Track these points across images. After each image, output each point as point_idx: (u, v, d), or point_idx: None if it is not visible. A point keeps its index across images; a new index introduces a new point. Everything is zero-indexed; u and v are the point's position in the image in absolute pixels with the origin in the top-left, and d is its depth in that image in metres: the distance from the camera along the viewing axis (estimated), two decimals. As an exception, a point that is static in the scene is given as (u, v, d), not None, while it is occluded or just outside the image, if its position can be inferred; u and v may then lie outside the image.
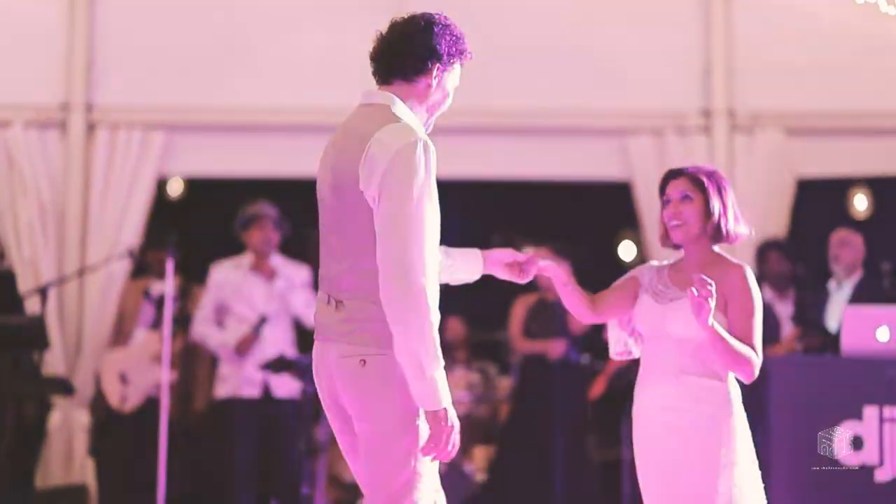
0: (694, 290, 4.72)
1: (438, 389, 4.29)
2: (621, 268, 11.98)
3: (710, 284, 4.73)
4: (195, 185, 11.62)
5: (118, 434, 9.25)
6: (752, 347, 4.94)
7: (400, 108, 4.51)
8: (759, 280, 9.58)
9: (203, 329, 9.14)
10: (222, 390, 9.07)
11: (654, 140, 10.22)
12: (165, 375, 8.49)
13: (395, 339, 4.27)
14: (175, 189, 11.77)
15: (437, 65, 4.56)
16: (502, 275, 4.95)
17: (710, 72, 10.35)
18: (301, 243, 9.28)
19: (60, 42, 10.29)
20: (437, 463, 4.44)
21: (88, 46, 10.29)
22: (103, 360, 9.35)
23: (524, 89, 10.21)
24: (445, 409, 4.32)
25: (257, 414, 8.93)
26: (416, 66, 4.55)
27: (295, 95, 10.37)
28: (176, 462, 8.68)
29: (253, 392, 8.92)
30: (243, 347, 8.95)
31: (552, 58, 10.25)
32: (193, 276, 9.35)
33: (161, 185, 10.61)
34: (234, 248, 9.36)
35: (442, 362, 4.30)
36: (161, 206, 10.51)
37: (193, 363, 9.33)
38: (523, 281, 4.97)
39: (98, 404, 9.36)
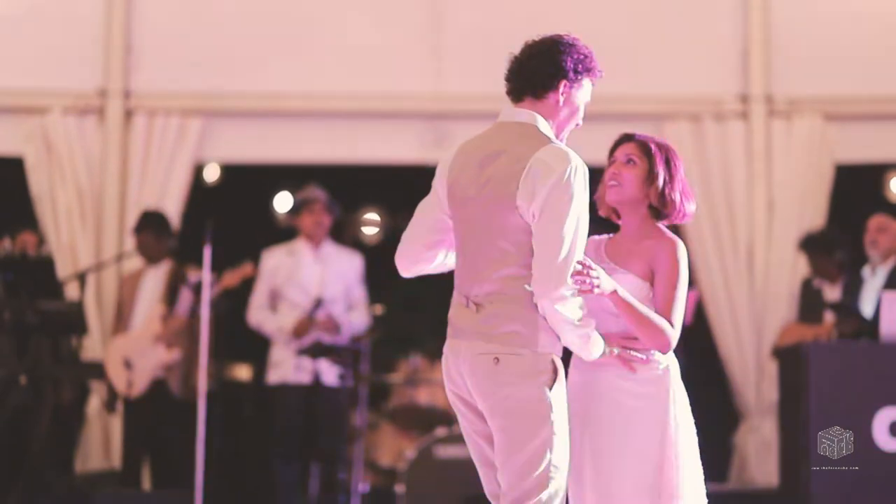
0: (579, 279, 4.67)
1: (600, 341, 4.70)
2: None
3: (594, 269, 4.65)
4: (230, 171, 11.63)
5: (130, 419, 9.27)
6: (669, 320, 4.82)
7: (543, 125, 4.79)
8: (809, 275, 9.58)
9: (259, 315, 9.22)
10: (275, 376, 9.14)
11: (691, 126, 10.19)
12: (204, 359, 8.51)
13: (559, 329, 4.64)
14: (211, 175, 11.80)
15: (564, 81, 4.81)
16: None
17: (748, 57, 10.30)
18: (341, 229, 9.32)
19: (98, 28, 10.33)
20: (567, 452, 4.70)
21: (126, 32, 10.32)
22: (107, 347, 9.35)
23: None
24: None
25: (305, 400, 8.99)
26: (545, 83, 4.82)
27: (333, 82, 10.38)
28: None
29: (304, 378, 8.97)
30: (300, 331, 9.01)
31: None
32: (228, 261, 9.36)
33: (197, 171, 10.61)
34: (270, 233, 9.39)
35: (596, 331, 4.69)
36: (197, 192, 10.52)
37: (192, 343, 9.35)
38: None
39: (108, 392, 9.38)
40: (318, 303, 9.05)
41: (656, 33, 10.32)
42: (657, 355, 4.89)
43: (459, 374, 4.74)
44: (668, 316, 4.84)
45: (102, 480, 9.57)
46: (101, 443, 9.93)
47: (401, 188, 11.45)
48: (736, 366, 10.00)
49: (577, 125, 4.90)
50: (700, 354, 9.65)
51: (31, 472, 8.83)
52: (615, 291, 4.73)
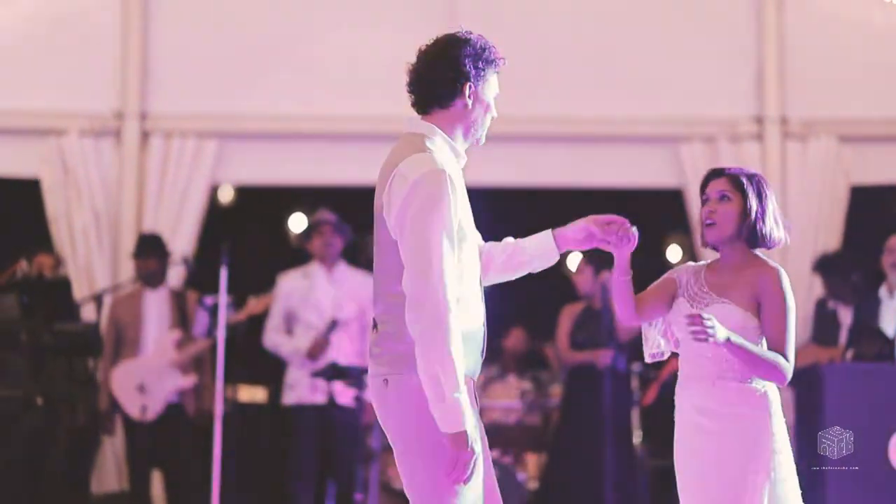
0: (693, 327, 4.65)
1: (459, 412, 4.26)
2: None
3: (708, 319, 4.65)
4: (244, 193, 11.67)
5: (145, 443, 9.26)
6: (783, 351, 4.80)
7: (436, 139, 4.53)
8: (824, 296, 9.56)
9: (274, 338, 9.25)
10: (290, 397, 9.17)
11: (706, 147, 10.20)
12: (220, 382, 8.56)
13: (418, 364, 4.28)
14: (225, 196, 11.83)
15: (468, 83, 4.54)
16: (583, 246, 4.86)
17: (763, 79, 10.32)
18: (356, 251, 9.33)
19: (115, 50, 10.38)
20: (478, 479, 4.40)
21: (143, 55, 10.38)
22: (114, 372, 9.31)
23: (575, 97, 10.22)
24: (465, 431, 4.28)
25: (321, 420, 9.01)
26: (448, 91, 4.55)
27: (348, 105, 10.41)
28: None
29: (319, 399, 8.99)
30: (315, 352, 9.04)
31: (604, 65, 10.26)
32: (245, 284, 9.39)
33: (212, 192, 10.65)
34: (285, 255, 9.41)
35: (463, 387, 4.28)
36: (212, 214, 10.56)
37: (202, 367, 9.38)
38: (612, 247, 4.84)
39: (109, 417, 9.35)
40: (333, 324, 9.07)
41: (672, 56, 10.33)
42: (755, 381, 4.88)
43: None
44: (782, 348, 4.81)
45: (116, 502, 9.58)
46: (117, 464, 9.93)
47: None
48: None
49: (494, 117, 4.61)
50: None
51: (47, 493, 8.84)
52: (729, 339, 4.71)
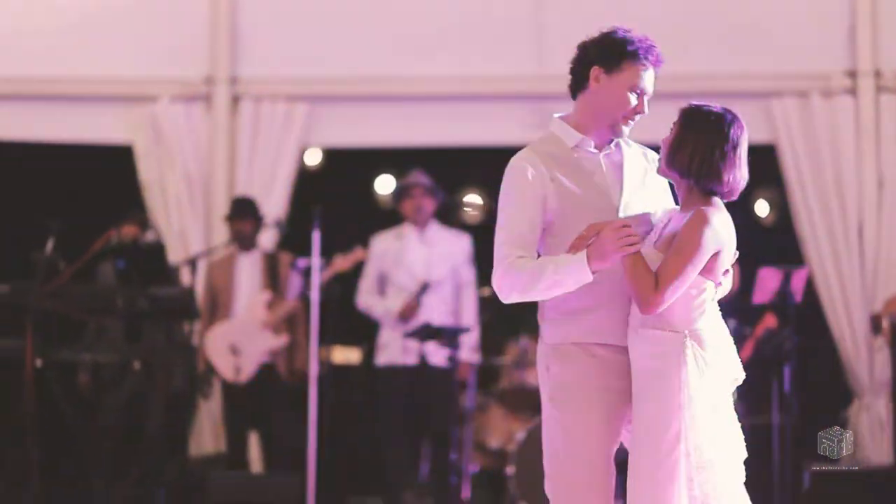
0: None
1: (567, 272, 4.59)
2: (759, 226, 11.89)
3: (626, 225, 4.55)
4: (333, 155, 11.70)
5: (241, 405, 9.36)
6: (657, 280, 4.52)
7: (556, 124, 4.87)
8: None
9: (367, 299, 9.31)
10: (383, 358, 9.22)
11: (799, 102, 10.08)
12: (314, 344, 8.61)
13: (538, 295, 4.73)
14: (313, 159, 11.88)
15: (595, 67, 4.74)
16: None
17: (855, 32, 10.16)
18: (447, 211, 9.35)
19: (205, 16, 10.45)
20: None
21: (232, 20, 10.43)
22: (208, 334, 9.42)
23: (669, 54, 10.12)
24: (582, 257, 4.56)
25: (413, 381, 9.05)
26: (582, 73, 4.79)
27: (436, 65, 10.41)
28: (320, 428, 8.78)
29: (411, 360, 9.03)
30: (407, 314, 9.07)
31: (697, 22, 10.16)
32: (333, 245, 9.42)
33: (302, 155, 10.69)
34: (374, 217, 9.44)
35: (538, 278, 4.62)
36: (302, 177, 10.60)
37: (294, 328, 9.44)
38: None
39: (205, 380, 9.45)
40: (425, 287, 9.08)
41: (762, 9, 10.22)
42: (675, 319, 4.63)
43: None
44: (659, 275, 4.56)
45: (214, 464, 9.69)
46: (215, 427, 10.04)
47: (506, 169, 11.48)
48: (848, 344, 9.88)
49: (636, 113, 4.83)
50: (811, 333, 9.57)
51: (146, 456, 8.95)
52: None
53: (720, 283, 4.72)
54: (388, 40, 10.43)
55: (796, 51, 10.19)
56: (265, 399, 9.34)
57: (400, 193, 9.43)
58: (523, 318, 11.33)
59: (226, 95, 10.41)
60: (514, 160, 4.78)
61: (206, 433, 10.08)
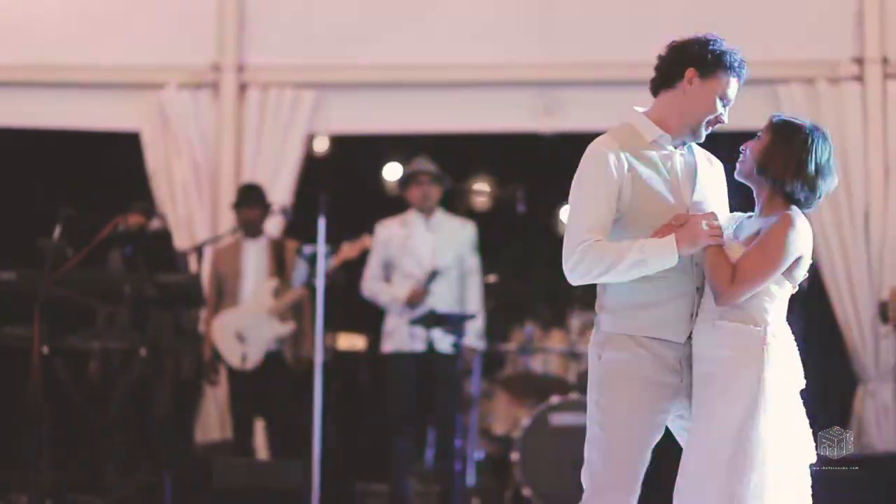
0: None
1: (654, 252, 4.71)
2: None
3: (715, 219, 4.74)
4: (340, 143, 11.71)
5: (247, 392, 9.37)
6: (734, 273, 4.67)
7: (635, 116, 4.97)
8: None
9: (373, 286, 9.28)
10: (389, 344, 9.21)
11: (805, 89, 10.06)
12: (319, 330, 8.63)
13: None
14: (320, 147, 11.89)
15: (691, 69, 4.84)
16: None
17: (863, 19, 10.13)
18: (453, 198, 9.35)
19: (211, 3, 10.47)
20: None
21: (239, 7, 10.45)
22: (214, 322, 9.43)
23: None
24: (672, 242, 4.70)
25: (419, 367, 9.05)
26: (675, 72, 4.89)
27: (443, 52, 10.41)
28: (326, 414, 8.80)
29: (418, 346, 9.03)
30: (414, 301, 9.06)
31: (703, 8, 10.14)
32: (342, 233, 9.43)
33: (309, 142, 10.70)
34: (381, 204, 9.45)
35: (622, 256, 4.71)
36: (308, 164, 10.62)
37: (300, 315, 9.46)
38: None
39: (212, 367, 9.47)
40: (434, 274, 9.07)
41: (770, -3, 10.22)
42: (757, 314, 4.75)
43: None
44: (737, 269, 4.69)
45: (220, 450, 9.71)
46: (220, 414, 10.07)
47: (512, 156, 11.49)
48: (854, 330, 9.89)
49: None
50: (817, 319, 9.57)
51: (153, 443, 8.98)
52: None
53: (797, 288, 4.88)
54: (395, 28, 10.43)
55: (803, 38, 10.18)
56: (271, 386, 9.36)
57: (406, 180, 9.42)
58: (528, 306, 11.37)
59: (233, 83, 10.43)
60: (595, 146, 4.85)
61: (213, 420, 10.11)
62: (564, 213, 11.98)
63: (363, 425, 10.58)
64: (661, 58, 4.97)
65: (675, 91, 4.89)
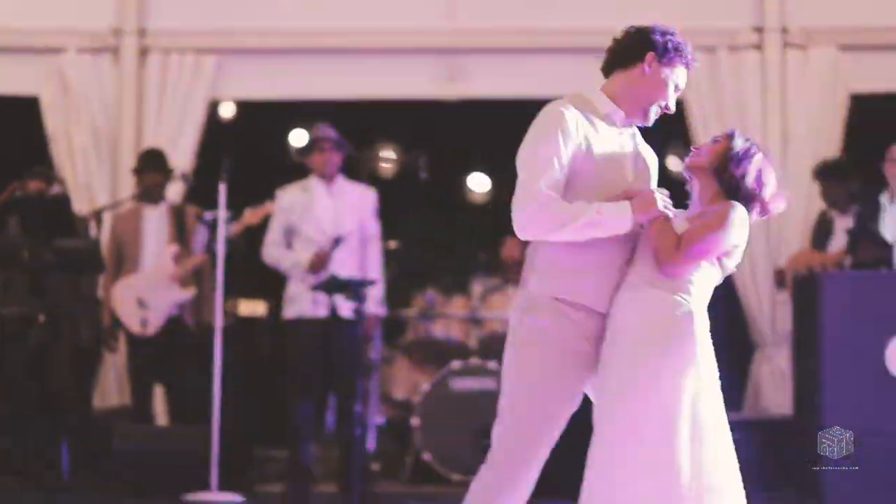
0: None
1: (610, 216, 4.77)
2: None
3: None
4: (245, 108, 11.68)
5: (147, 358, 9.32)
6: (681, 242, 4.77)
7: (590, 90, 5.03)
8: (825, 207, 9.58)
9: (274, 252, 9.20)
10: (291, 311, 9.17)
11: (706, 58, 10.08)
12: (219, 296, 8.61)
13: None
14: (226, 112, 11.83)
15: (652, 53, 4.92)
16: None
17: (763, -12, 10.26)
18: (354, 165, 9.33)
19: (112, -34, 10.37)
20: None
21: (140, -29, 10.37)
22: (114, 288, 9.37)
23: (573, 9, 10.14)
24: (626, 207, 4.78)
25: (322, 333, 9.02)
26: (635, 54, 4.95)
27: (346, 18, 10.39)
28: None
29: (320, 312, 9.01)
30: (317, 266, 9.01)
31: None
32: (245, 199, 9.39)
33: (212, 109, 10.65)
34: (285, 170, 9.42)
35: (578, 215, 4.75)
36: (212, 130, 10.57)
37: (201, 281, 9.43)
38: None
39: (111, 333, 9.42)
40: (338, 241, 9.04)
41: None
42: (691, 287, 4.81)
43: None
44: (682, 238, 4.79)
45: (119, 416, 9.66)
46: (119, 380, 10.02)
47: (415, 123, 11.50)
48: (751, 296, 10.02)
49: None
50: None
51: (51, 409, 8.92)
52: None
53: (722, 279, 4.97)
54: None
55: (703, 7, 10.25)
56: (171, 352, 9.31)
57: (308, 147, 9.37)
58: (429, 272, 11.40)
59: (134, 48, 10.35)
60: (554, 106, 4.90)
61: (112, 386, 10.06)
62: (471, 180, 12.12)
63: (263, 390, 10.56)
64: (617, 40, 5.03)
65: (632, 72, 4.95)
